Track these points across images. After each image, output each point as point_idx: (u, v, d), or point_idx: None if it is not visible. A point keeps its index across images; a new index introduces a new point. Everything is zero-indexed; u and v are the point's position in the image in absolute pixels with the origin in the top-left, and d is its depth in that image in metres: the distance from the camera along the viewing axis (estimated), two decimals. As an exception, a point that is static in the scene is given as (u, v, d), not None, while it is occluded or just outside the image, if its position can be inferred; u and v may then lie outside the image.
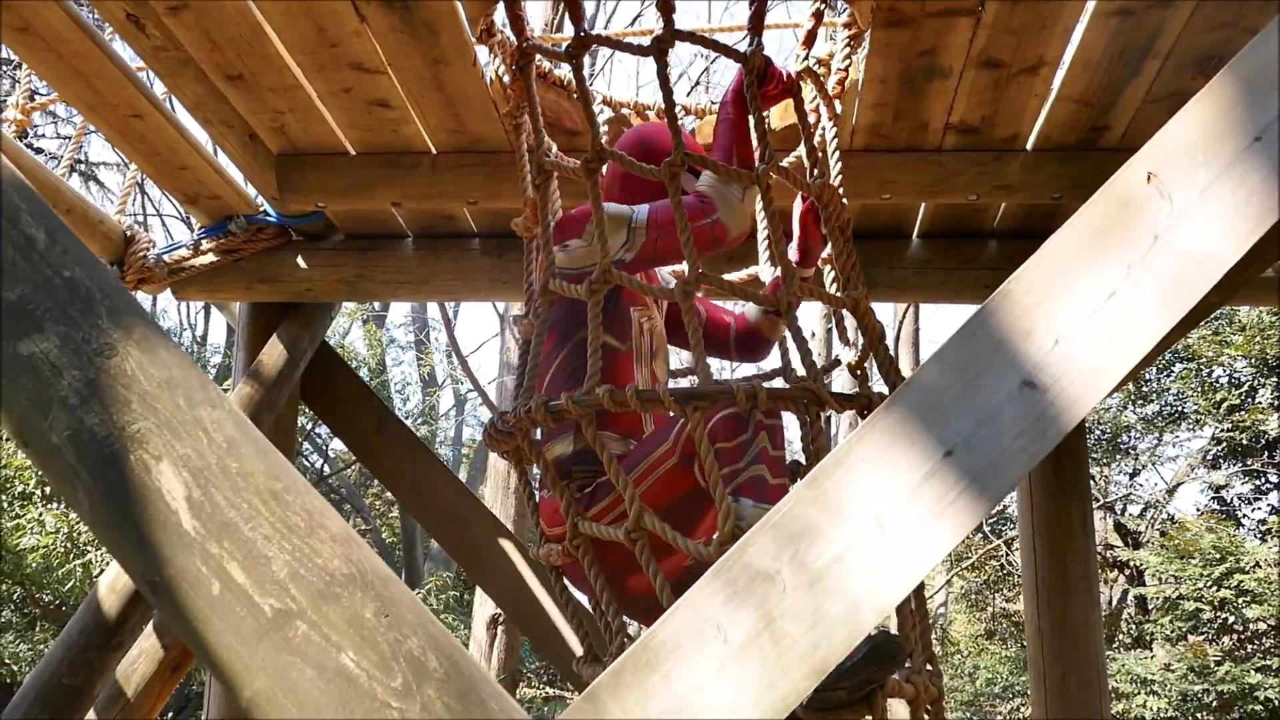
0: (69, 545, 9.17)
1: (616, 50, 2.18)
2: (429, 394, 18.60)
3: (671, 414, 1.95)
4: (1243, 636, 11.35)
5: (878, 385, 2.25)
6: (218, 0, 2.56)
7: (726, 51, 2.29)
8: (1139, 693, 10.91)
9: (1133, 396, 12.88)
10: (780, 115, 3.01)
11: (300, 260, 3.69)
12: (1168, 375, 12.49)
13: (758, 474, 1.95)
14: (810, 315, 11.13)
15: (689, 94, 12.85)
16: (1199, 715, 10.89)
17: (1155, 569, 11.52)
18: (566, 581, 2.29)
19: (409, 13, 2.55)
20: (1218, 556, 10.69)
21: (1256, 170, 1.60)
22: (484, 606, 8.40)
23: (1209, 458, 12.72)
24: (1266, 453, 12.01)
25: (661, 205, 2.25)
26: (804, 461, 2.05)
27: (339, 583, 1.24)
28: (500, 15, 2.52)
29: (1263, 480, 12.37)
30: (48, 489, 9.33)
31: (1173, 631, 11.43)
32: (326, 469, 16.32)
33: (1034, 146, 3.13)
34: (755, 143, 2.24)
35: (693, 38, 2.30)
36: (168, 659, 3.48)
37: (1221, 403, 11.59)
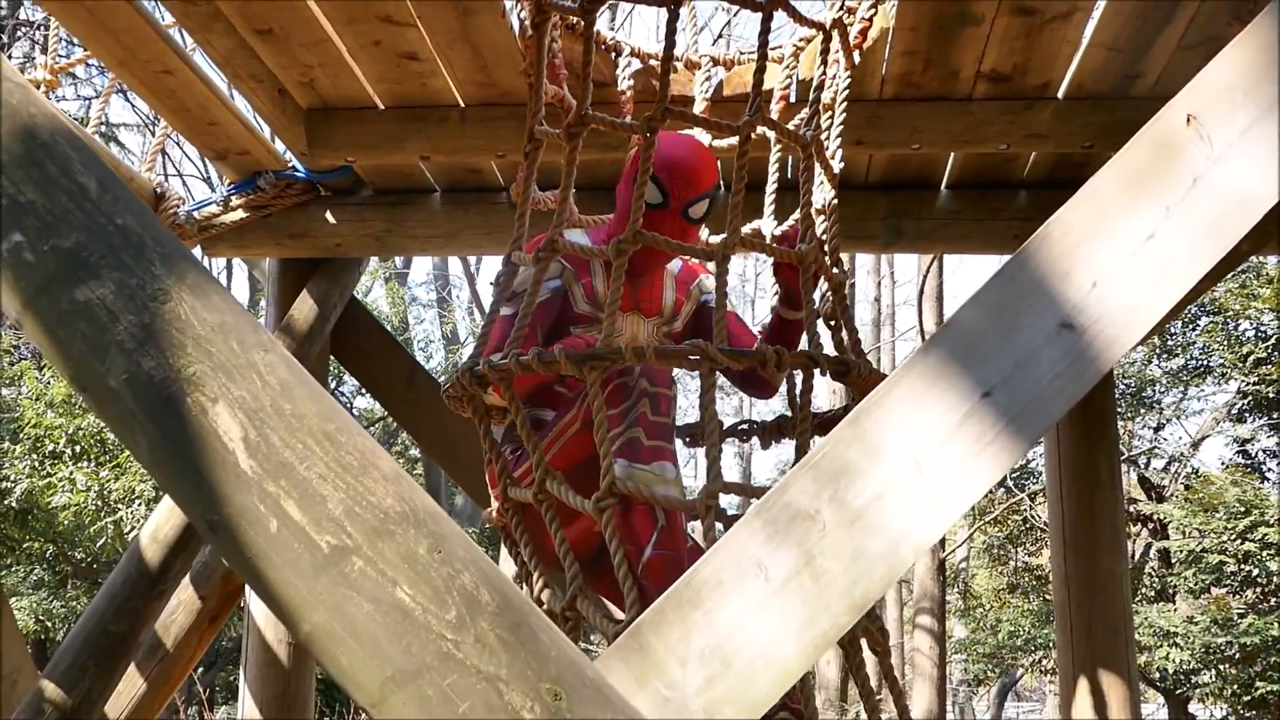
0: (100, 503, 9.28)
1: (633, 1, 2.17)
2: (452, 351, 18.66)
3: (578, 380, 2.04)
4: (1266, 589, 11.35)
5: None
6: (248, -47, 2.57)
7: (743, 2, 2.26)
8: (1161, 645, 10.97)
9: (1158, 350, 12.81)
10: (807, 65, 2.99)
11: (329, 215, 3.71)
12: (1193, 329, 12.39)
13: (633, 436, 2.11)
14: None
15: (714, 43, 12.72)
16: (1221, 667, 10.93)
17: (1179, 522, 11.51)
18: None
19: (438, -36, 2.55)
20: (1242, 510, 10.67)
21: (1297, 111, 1.59)
22: (508, 563, 8.47)
23: (1234, 411, 12.65)
24: (1293, 406, 11.94)
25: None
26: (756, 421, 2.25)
27: (393, 520, 1.27)
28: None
29: (1289, 434, 12.31)
30: (78, 448, 9.44)
31: (1196, 584, 11.45)
32: (350, 427, 16.37)
33: (1066, 95, 3.10)
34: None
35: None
36: (206, 610, 3.56)
37: (1248, 356, 11.48)
